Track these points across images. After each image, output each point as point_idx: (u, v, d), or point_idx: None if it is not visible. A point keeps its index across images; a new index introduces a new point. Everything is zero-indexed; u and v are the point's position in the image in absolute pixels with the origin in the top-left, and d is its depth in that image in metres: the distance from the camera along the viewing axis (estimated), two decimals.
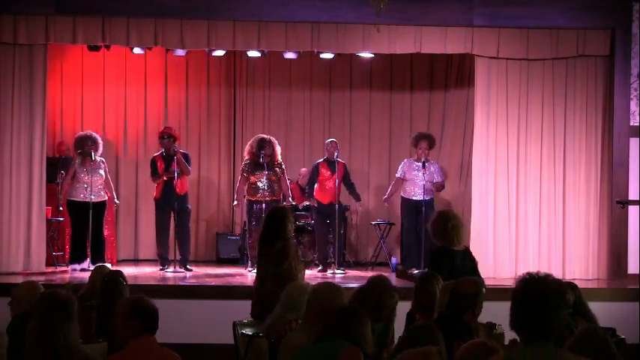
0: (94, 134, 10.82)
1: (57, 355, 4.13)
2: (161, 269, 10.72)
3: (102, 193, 10.66)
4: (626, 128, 10.53)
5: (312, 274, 10.56)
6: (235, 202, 11.23)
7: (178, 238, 10.70)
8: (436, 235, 6.89)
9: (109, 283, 5.96)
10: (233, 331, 6.32)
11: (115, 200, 10.95)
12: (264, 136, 11.05)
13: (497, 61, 10.63)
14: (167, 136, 10.76)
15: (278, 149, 10.89)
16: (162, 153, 10.83)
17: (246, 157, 10.90)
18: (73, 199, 10.54)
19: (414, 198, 10.95)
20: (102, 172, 10.63)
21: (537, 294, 3.03)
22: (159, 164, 10.76)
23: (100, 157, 10.70)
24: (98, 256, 10.36)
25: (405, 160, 11.33)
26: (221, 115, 12.81)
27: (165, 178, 10.68)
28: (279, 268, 6.66)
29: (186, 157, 10.87)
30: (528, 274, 3.12)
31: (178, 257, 10.66)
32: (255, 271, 10.31)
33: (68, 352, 4.15)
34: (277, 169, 10.82)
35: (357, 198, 11.27)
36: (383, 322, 5.20)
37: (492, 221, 10.57)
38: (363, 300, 5.23)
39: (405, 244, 11.29)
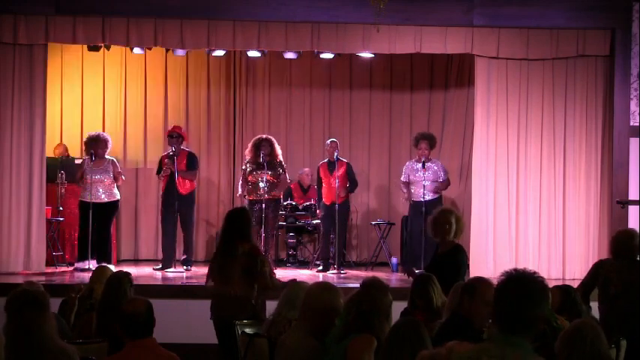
0: (103, 134, 10.81)
1: (31, 351, 4.12)
2: (155, 268, 10.72)
3: (113, 193, 10.60)
4: (626, 128, 10.53)
5: (312, 274, 10.58)
6: (239, 193, 11.13)
7: (184, 234, 10.78)
8: (445, 233, 6.84)
9: (113, 283, 5.94)
10: (216, 330, 6.50)
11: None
12: (262, 135, 11.07)
13: (497, 61, 10.63)
14: (176, 135, 10.77)
15: (277, 148, 10.90)
16: (168, 153, 10.83)
17: (247, 157, 10.95)
18: (80, 199, 10.55)
19: (419, 199, 10.94)
20: (110, 172, 10.59)
21: (519, 289, 3.09)
22: (163, 163, 10.78)
23: (110, 157, 10.68)
24: (103, 257, 10.30)
25: (407, 162, 11.31)
26: (221, 115, 12.81)
27: (164, 175, 10.69)
28: (251, 269, 6.57)
29: (191, 158, 10.89)
30: (515, 269, 3.19)
31: (181, 257, 10.73)
32: None
33: (42, 347, 4.14)
34: (279, 168, 10.83)
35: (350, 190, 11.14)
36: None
37: (492, 221, 10.57)
38: (359, 302, 5.21)
39: (408, 246, 11.25)
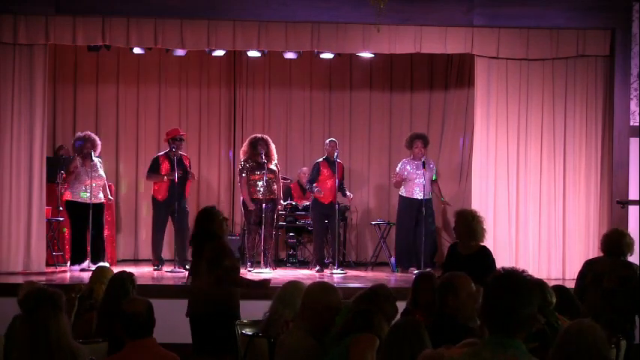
0: (92, 135, 10.81)
1: (49, 350, 4.13)
2: (155, 269, 10.72)
3: (101, 194, 10.64)
4: (626, 128, 10.53)
5: (310, 274, 10.57)
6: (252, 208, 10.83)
7: (179, 237, 10.70)
8: (470, 235, 6.93)
9: (116, 283, 5.93)
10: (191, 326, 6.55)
11: (109, 197, 10.95)
12: (258, 135, 11.05)
13: (497, 61, 10.64)
14: (180, 139, 10.80)
15: (273, 147, 10.89)
16: (166, 153, 10.82)
17: (242, 158, 10.89)
18: (73, 199, 10.51)
19: (415, 197, 10.97)
20: (102, 172, 10.61)
21: (507, 288, 3.07)
22: (162, 164, 10.74)
23: (96, 157, 10.67)
24: (98, 257, 10.33)
25: (404, 160, 11.34)
26: (221, 115, 12.82)
27: (165, 180, 10.67)
28: (216, 266, 6.59)
29: (190, 165, 10.97)
30: (502, 268, 3.16)
31: (176, 257, 10.69)
32: (257, 271, 10.42)
33: (59, 346, 4.15)
34: (274, 168, 10.82)
35: (343, 193, 11.13)
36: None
37: (492, 221, 10.54)
38: (361, 302, 5.21)
39: (402, 243, 11.25)
